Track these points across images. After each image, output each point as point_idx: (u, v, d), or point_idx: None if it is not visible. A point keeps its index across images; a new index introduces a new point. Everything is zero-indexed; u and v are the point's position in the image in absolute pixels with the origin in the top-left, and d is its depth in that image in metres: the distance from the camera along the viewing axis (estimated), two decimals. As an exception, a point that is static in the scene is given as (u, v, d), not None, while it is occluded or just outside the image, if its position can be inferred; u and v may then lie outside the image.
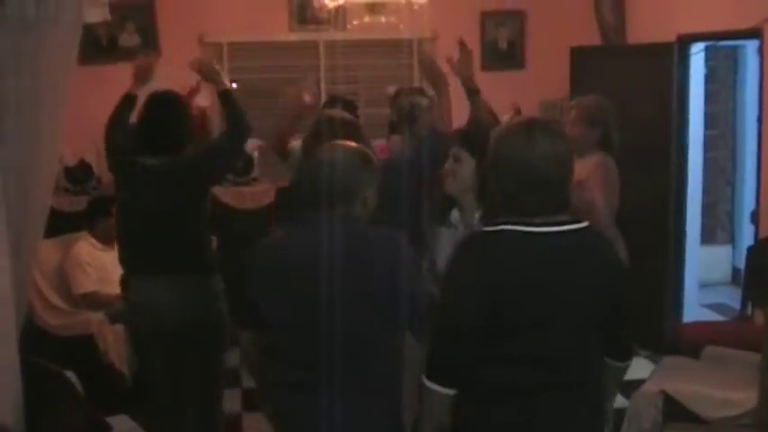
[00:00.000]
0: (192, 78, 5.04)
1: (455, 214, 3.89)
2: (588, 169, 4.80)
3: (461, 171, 3.72)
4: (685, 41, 6.83)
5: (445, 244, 3.68)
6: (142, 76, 4.73)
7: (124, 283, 4.61)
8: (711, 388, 4.61)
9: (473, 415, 2.89)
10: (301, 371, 3.15)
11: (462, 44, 4.47)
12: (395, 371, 3.20)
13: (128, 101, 4.72)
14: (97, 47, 7.21)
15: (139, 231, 4.51)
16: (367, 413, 3.10)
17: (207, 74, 4.73)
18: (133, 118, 4.76)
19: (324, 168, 3.16)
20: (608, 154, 4.95)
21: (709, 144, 8.60)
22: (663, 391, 4.58)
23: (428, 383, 2.87)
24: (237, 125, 4.57)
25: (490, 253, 2.83)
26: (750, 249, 5.88)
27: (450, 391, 2.87)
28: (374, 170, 3.22)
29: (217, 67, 4.86)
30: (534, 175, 2.82)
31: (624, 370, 3.13)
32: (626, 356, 3.10)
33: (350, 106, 5.75)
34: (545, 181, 2.83)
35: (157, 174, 4.43)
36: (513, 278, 2.78)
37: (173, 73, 5.12)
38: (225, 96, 4.62)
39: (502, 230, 2.84)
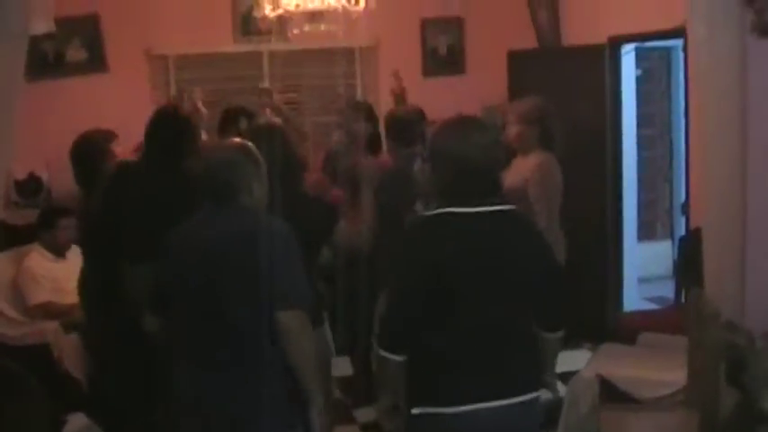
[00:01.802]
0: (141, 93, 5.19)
1: (419, 206, 4.14)
2: (529, 169, 5.05)
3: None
4: (616, 42, 7.07)
5: None
6: None
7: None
8: (645, 370, 4.83)
9: (423, 382, 3.20)
10: (191, 352, 3.43)
11: None
12: (269, 350, 3.34)
13: None
14: (44, 63, 7.23)
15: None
16: (248, 390, 3.33)
17: None
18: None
19: (206, 166, 3.55)
20: (550, 152, 5.19)
21: (646, 143, 8.88)
22: (599, 376, 4.76)
23: (381, 352, 3.19)
24: None
25: (430, 233, 3.19)
26: (681, 239, 6.12)
27: (401, 358, 3.18)
28: (255, 162, 3.51)
29: None
30: (467, 164, 3.16)
31: (556, 341, 3.43)
32: (555, 327, 3.39)
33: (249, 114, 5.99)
34: (477, 168, 3.17)
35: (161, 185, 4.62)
36: (451, 253, 3.12)
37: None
38: None
39: (440, 213, 3.19)
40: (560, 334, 3.41)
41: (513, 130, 5.24)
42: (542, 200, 5.03)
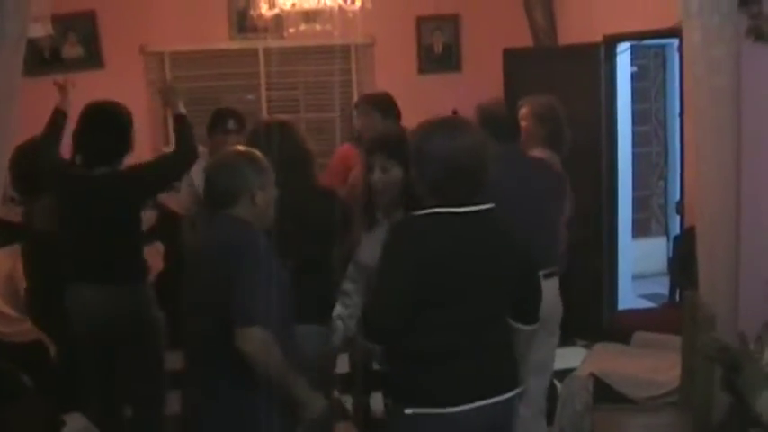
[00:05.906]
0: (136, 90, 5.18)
1: (378, 215, 4.13)
2: None
3: (390, 180, 3.86)
4: (611, 41, 7.10)
5: (367, 241, 3.92)
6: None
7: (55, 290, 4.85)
8: (638, 370, 4.85)
9: (413, 382, 3.24)
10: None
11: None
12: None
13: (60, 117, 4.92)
14: (40, 59, 7.21)
15: (80, 241, 4.73)
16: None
17: (166, 97, 4.95)
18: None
19: (206, 173, 3.58)
20: (555, 152, 5.22)
21: (641, 140, 8.91)
22: (592, 374, 4.80)
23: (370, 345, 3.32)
24: (186, 151, 4.77)
25: (419, 232, 3.21)
26: (675, 239, 6.15)
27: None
28: (259, 170, 3.48)
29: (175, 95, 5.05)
30: (456, 165, 3.18)
31: (531, 333, 3.51)
32: (531, 320, 3.48)
33: (238, 117, 5.96)
34: (465, 169, 3.20)
35: (100, 185, 4.63)
36: (438, 252, 3.16)
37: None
38: (179, 121, 4.84)
39: (429, 213, 3.22)
40: (535, 326, 3.49)
41: (523, 125, 5.21)
42: None
